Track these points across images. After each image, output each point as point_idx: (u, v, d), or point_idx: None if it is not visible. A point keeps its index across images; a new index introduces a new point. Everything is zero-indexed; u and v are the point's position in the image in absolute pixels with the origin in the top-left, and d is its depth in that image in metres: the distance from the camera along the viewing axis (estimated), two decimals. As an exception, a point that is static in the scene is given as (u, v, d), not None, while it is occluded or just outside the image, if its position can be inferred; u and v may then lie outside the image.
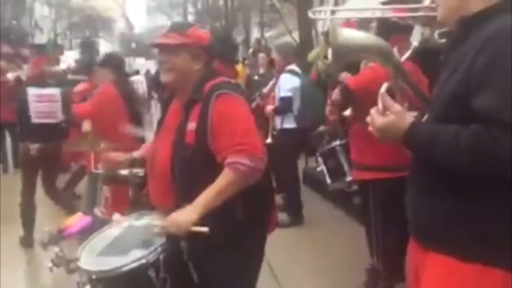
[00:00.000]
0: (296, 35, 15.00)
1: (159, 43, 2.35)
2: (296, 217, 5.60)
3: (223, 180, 2.14)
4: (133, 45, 49.84)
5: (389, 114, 1.53)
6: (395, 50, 1.86)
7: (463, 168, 1.41)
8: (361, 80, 3.38)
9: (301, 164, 6.70)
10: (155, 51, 2.43)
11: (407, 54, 3.16)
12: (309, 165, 7.05)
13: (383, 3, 3.59)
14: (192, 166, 2.22)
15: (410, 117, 1.53)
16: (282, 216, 5.40)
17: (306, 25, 14.10)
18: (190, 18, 28.79)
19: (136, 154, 2.69)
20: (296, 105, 5.54)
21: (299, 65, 5.97)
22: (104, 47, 32.95)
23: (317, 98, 5.40)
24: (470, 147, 1.38)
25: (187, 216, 2.12)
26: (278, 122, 5.65)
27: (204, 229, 2.08)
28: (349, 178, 4.27)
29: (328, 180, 4.43)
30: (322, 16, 2.77)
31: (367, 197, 3.64)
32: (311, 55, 7.28)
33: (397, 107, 1.54)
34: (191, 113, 2.27)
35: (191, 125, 2.24)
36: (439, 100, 1.55)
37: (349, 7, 8.09)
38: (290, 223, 5.47)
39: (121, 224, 2.41)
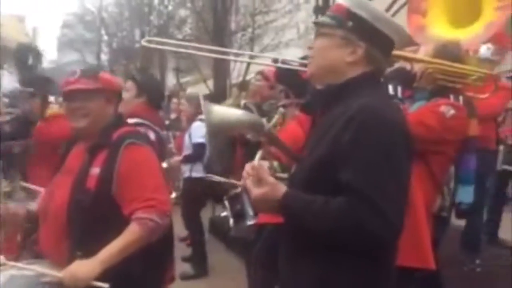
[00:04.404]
0: (211, 83, 15.19)
1: (73, 89, 2.25)
2: (200, 269, 5.49)
3: (130, 235, 2.07)
4: (41, 79, 47.76)
5: (264, 186, 1.57)
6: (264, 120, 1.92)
7: (329, 235, 1.50)
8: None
9: (208, 212, 6.63)
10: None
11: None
12: (216, 213, 7.00)
13: (301, 59, 3.71)
14: (90, 212, 2.12)
15: (283, 187, 1.58)
16: (186, 267, 5.31)
17: (221, 75, 14.34)
18: (104, 57, 28.15)
19: (33, 206, 2.46)
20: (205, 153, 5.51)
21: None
22: (8, 79, 31.26)
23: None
24: (335, 217, 1.47)
25: (88, 270, 1.99)
26: (185, 170, 5.61)
27: (105, 285, 1.97)
28: (250, 222, 4.28)
29: (231, 224, 4.40)
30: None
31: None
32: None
33: (270, 179, 1.58)
34: (95, 158, 2.20)
35: (95, 170, 2.17)
36: (309, 163, 1.62)
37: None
38: (193, 275, 5.35)
39: (8, 271, 2.21)
